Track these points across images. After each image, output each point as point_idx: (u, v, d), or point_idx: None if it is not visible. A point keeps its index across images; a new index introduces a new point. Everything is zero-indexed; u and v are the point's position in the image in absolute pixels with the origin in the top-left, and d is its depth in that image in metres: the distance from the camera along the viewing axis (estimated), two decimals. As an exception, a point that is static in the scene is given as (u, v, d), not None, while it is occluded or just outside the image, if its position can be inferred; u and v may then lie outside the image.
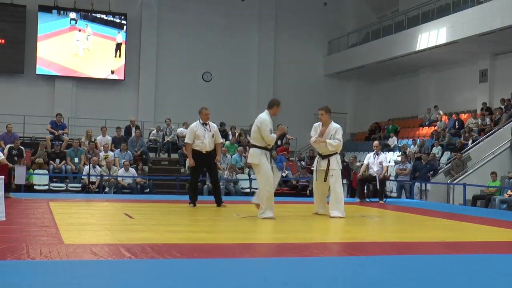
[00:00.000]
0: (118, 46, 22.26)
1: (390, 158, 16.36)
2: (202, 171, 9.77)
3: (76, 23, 21.82)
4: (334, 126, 8.29)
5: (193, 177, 9.48)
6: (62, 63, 21.69)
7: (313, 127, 8.54)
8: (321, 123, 8.44)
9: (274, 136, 7.80)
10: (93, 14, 21.94)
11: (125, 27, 22.29)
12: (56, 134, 16.23)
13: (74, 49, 21.89)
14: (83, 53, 21.96)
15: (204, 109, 9.43)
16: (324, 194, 8.59)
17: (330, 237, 6.14)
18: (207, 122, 9.34)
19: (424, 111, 21.77)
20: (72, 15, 21.77)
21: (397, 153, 17.90)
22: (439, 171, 16.05)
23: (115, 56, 22.20)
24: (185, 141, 9.49)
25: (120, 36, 22.22)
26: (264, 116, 7.83)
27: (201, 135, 9.19)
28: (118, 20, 22.24)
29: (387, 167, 12.46)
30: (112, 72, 22.24)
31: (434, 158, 16.60)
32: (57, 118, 16.91)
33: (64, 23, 21.75)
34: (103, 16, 22.07)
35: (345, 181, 16.56)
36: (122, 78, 22.33)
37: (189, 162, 9.41)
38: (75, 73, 21.85)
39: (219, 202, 9.38)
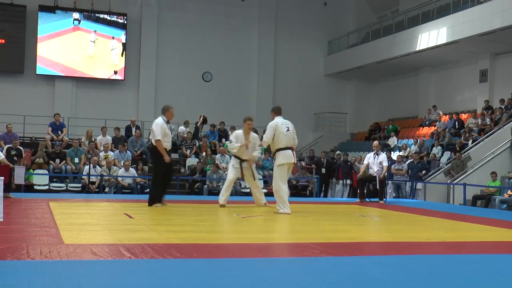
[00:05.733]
0: (124, 46, 22.31)
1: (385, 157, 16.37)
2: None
3: (79, 23, 21.81)
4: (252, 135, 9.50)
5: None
6: (63, 63, 21.68)
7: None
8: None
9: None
10: (96, 15, 21.92)
11: (125, 29, 22.31)
12: (56, 139, 16.20)
13: (89, 49, 21.94)
14: (92, 55, 22.03)
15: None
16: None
17: (330, 237, 6.14)
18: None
19: (424, 111, 21.77)
20: (76, 15, 21.74)
21: (397, 153, 17.90)
22: (439, 171, 16.04)
23: (122, 55, 22.22)
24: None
25: (121, 39, 22.26)
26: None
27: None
28: (119, 20, 22.21)
29: (387, 167, 12.47)
30: (115, 73, 22.24)
31: (434, 158, 16.61)
32: (55, 118, 16.92)
33: (67, 24, 21.73)
34: (106, 16, 22.05)
35: (348, 181, 16.58)
36: (122, 78, 22.33)
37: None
38: (75, 73, 21.83)
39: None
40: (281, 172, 8.75)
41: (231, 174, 9.52)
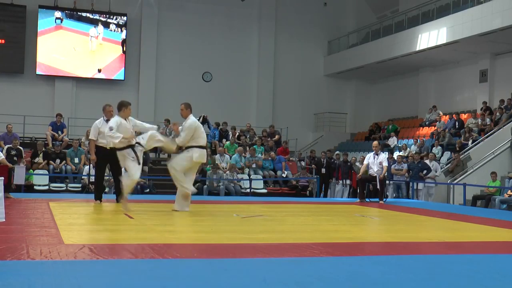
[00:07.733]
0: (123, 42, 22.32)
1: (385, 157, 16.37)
2: None
3: (61, 22, 21.72)
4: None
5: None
6: (62, 63, 21.63)
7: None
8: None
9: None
10: (78, 13, 21.84)
11: (125, 28, 22.30)
12: (57, 138, 16.23)
13: (91, 45, 22.02)
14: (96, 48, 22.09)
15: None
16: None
17: (330, 237, 6.14)
18: None
19: (424, 111, 21.77)
20: (58, 14, 21.62)
21: (396, 153, 17.89)
22: (439, 171, 16.02)
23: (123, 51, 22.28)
24: None
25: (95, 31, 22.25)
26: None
27: None
28: (101, 19, 22.09)
29: (387, 167, 12.46)
30: (99, 71, 22.14)
31: (434, 158, 16.59)
32: (57, 119, 16.92)
33: (50, 23, 21.55)
34: (89, 15, 21.95)
35: (348, 181, 16.57)
36: (105, 77, 22.20)
37: None
38: (59, 72, 21.64)
39: None
40: (194, 169, 8.80)
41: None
